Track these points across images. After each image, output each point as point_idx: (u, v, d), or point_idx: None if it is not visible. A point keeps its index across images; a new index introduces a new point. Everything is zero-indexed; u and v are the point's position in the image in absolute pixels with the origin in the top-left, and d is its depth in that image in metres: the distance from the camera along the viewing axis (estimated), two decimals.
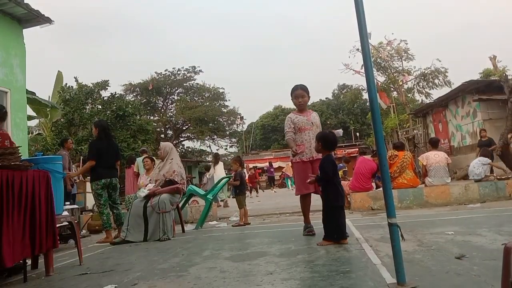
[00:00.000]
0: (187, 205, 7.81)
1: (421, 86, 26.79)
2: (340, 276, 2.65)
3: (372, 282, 2.44)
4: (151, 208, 5.51)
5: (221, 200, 11.20)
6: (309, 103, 5.17)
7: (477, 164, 8.09)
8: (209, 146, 39.77)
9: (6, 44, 7.04)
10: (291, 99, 4.92)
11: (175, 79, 35.79)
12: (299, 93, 4.78)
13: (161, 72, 35.38)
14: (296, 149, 4.59)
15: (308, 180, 4.27)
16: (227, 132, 39.60)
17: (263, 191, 22.67)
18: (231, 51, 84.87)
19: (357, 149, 19.22)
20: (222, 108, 37.34)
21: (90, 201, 9.12)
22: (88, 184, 7.51)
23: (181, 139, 38.78)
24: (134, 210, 5.58)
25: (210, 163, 12.02)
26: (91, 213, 8.10)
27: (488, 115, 13.52)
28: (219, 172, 11.19)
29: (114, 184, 5.97)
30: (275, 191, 21.82)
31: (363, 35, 2.49)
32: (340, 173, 11.45)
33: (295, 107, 5.03)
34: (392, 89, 25.48)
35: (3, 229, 2.87)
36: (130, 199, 6.41)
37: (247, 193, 19.18)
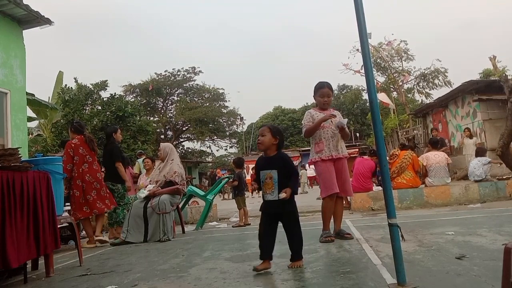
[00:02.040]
0: (187, 206, 7.81)
1: (421, 86, 26.84)
2: (340, 276, 2.65)
3: (373, 282, 2.44)
4: (151, 209, 5.50)
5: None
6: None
7: (477, 165, 7.91)
8: (209, 147, 39.86)
9: (6, 45, 7.05)
10: (314, 96, 4.42)
11: (175, 80, 35.81)
12: (326, 91, 4.30)
13: (160, 73, 35.48)
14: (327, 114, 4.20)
15: (282, 195, 2.95)
16: (227, 133, 39.68)
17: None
18: (231, 51, 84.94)
19: (357, 149, 19.19)
20: (222, 109, 37.37)
21: None
22: None
23: (181, 140, 38.82)
24: (134, 211, 5.58)
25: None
26: None
27: (488, 115, 13.52)
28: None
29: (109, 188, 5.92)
30: None
31: (363, 36, 2.49)
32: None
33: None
34: (392, 89, 25.51)
35: (5, 230, 2.87)
36: (130, 200, 6.40)
37: (249, 193, 19.29)
